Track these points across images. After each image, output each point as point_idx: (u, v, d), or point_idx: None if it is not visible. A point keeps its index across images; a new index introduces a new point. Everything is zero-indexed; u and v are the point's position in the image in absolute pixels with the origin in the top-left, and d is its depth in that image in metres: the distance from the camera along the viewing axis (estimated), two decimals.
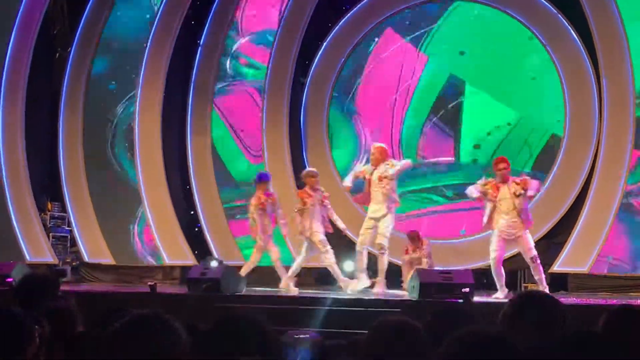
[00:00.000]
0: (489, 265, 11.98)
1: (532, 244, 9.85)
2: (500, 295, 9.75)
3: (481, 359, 1.87)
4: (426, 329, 2.88)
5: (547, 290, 9.58)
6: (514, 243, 9.87)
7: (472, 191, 9.93)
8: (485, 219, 9.79)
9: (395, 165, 10.30)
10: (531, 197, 9.97)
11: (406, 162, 10.52)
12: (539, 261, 9.86)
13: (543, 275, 10.00)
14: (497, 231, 9.75)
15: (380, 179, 10.22)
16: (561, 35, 12.40)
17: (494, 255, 9.76)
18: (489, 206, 9.74)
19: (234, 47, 13.88)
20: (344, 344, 3.39)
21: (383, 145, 10.75)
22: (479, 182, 9.94)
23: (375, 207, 10.27)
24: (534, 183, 9.83)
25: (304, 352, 3.30)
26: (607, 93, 11.98)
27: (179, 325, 2.44)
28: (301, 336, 3.43)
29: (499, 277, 9.80)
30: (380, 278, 10.32)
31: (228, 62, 13.89)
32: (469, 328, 1.95)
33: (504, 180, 9.67)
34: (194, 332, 3.18)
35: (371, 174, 10.34)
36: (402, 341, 2.70)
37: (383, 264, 10.27)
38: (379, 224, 10.23)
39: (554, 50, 12.44)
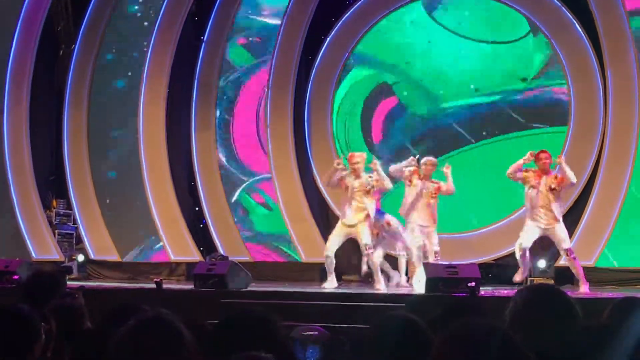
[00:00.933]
0: (495, 259, 12.00)
1: (566, 236, 9.88)
2: (517, 277, 9.85)
3: (476, 352, 1.87)
4: (433, 324, 2.87)
5: (586, 288, 9.66)
6: (548, 234, 9.89)
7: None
8: (527, 205, 9.81)
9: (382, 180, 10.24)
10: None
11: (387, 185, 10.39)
12: (573, 255, 9.86)
13: (581, 270, 9.98)
14: (530, 221, 9.78)
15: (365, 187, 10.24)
16: (565, 29, 12.36)
17: (520, 241, 9.77)
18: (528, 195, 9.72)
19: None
20: (349, 340, 3.38)
21: (364, 153, 10.77)
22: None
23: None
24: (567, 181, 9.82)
25: (313, 347, 3.30)
26: (612, 86, 11.95)
27: (183, 326, 2.45)
28: (309, 332, 3.43)
29: (523, 264, 9.85)
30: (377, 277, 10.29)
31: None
32: (462, 321, 1.94)
33: (546, 171, 9.71)
34: (200, 329, 3.18)
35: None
36: (405, 337, 2.69)
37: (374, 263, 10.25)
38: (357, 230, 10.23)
39: (558, 43, 12.41)
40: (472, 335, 1.89)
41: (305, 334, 3.39)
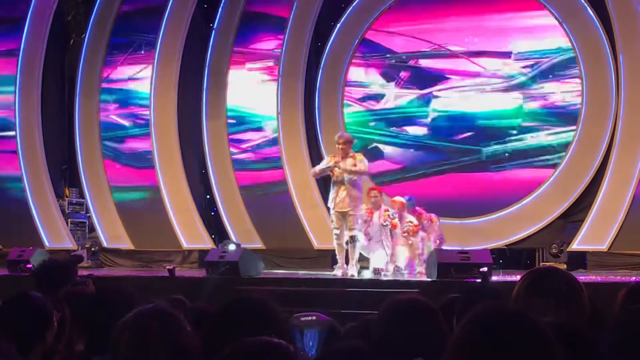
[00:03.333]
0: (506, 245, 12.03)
1: None
2: None
3: (499, 336, 1.85)
4: (446, 308, 2.87)
5: None
6: None
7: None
8: None
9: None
10: None
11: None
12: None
13: None
14: None
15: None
16: (577, 12, 12.28)
17: None
18: None
19: None
20: (355, 325, 3.38)
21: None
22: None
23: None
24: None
25: (312, 333, 3.30)
26: (624, 69, 11.87)
27: (182, 317, 2.47)
28: (309, 318, 3.42)
29: None
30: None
31: None
32: (485, 305, 1.92)
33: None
34: (203, 317, 3.19)
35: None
36: (414, 320, 2.69)
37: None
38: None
39: (570, 27, 12.33)
40: (496, 321, 1.87)
41: (304, 319, 3.38)
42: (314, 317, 3.42)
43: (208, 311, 3.46)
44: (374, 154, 12.88)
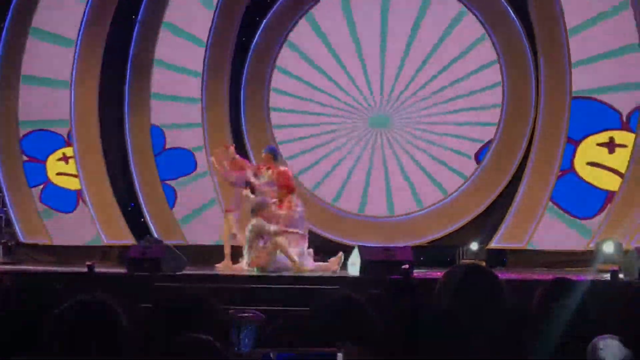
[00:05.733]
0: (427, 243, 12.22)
1: None
2: None
3: (426, 331, 1.90)
4: (371, 303, 2.89)
5: None
6: None
7: None
8: None
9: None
10: None
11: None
12: None
13: None
14: None
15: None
16: (499, 14, 12.52)
17: None
18: None
19: None
20: (286, 322, 3.39)
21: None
22: None
23: None
24: None
25: (248, 328, 3.30)
26: (544, 71, 12.17)
27: (120, 309, 2.42)
28: (244, 314, 3.43)
29: None
30: None
31: None
32: (412, 301, 1.97)
33: None
34: (136, 313, 3.15)
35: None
36: (347, 316, 2.70)
37: None
38: None
39: (492, 28, 12.56)
40: (419, 316, 1.92)
41: (241, 315, 3.39)
42: (250, 314, 3.43)
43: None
44: None
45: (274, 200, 10.64)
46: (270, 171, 10.89)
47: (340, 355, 2.35)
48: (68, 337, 2.35)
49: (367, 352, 2.17)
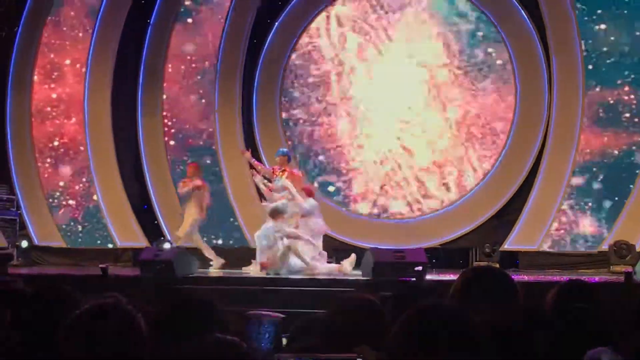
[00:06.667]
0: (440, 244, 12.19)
1: None
2: None
3: (438, 332, 1.90)
4: (384, 305, 2.89)
5: None
6: None
7: None
8: None
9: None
10: None
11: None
12: None
13: None
14: None
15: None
16: (511, 15, 12.50)
17: None
18: None
19: None
20: (304, 323, 3.39)
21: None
22: None
23: None
24: None
25: (266, 330, 3.30)
26: (557, 72, 12.14)
27: (139, 316, 2.42)
28: (262, 313, 3.44)
29: None
30: None
31: None
32: (425, 302, 1.97)
33: None
34: (150, 315, 3.16)
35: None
36: (364, 318, 2.70)
37: None
38: None
39: (504, 30, 12.54)
40: (432, 318, 1.93)
41: (259, 316, 3.39)
42: (269, 314, 3.43)
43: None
44: None
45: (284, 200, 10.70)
46: (285, 174, 10.93)
47: None
48: (85, 339, 2.35)
49: (386, 357, 2.17)
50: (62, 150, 13.88)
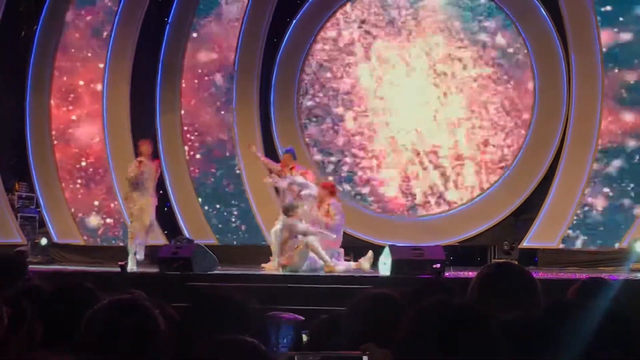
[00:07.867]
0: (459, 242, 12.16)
1: None
2: None
3: (450, 327, 1.89)
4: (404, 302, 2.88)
5: None
6: None
7: None
8: None
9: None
10: None
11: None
12: None
13: None
14: None
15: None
16: (530, 12, 12.44)
17: None
18: None
19: None
20: (325, 321, 3.38)
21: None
22: None
23: None
24: None
25: (286, 333, 3.30)
26: (576, 69, 12.06)
27: (158, 313, 2.42)
28: (282, 314, 3.43)
29: None
30: None
31: None
32: (436, 298, 1.97)
33: None
34: (168, 312, 3.16)
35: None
36: (384, 314, 2.69)
37: None
38: None
39: (523, 27, 12.48)
40: (443, 311, 1.92)
41: (279, 315, 3.39)
42: (288, 315, 3.43)
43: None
44: None
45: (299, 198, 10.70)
46: (294, 171, 10.90)
47: (365, 359, 2.34)
48: (104, 336, 2.36)
49: (393, 354, 2.16)
50: (91, 170, 13.89)
